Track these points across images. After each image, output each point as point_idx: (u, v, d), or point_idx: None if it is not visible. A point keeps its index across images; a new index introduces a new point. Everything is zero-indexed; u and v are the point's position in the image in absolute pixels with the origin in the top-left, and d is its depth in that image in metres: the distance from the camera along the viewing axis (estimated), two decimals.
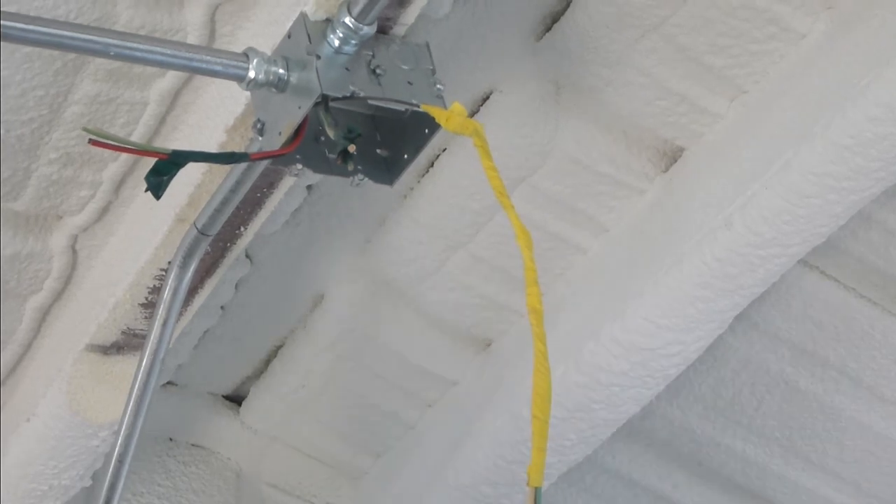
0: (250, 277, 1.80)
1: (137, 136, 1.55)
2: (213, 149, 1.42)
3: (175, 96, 1.53)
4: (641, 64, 1.55)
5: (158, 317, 1.48)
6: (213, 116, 1.47)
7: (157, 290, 1.53)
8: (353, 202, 1.76)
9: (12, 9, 1.35)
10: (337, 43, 1.26)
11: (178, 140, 1.55)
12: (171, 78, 1.51)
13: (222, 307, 1.82)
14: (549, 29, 1.58)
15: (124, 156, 1.58)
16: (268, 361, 1.98)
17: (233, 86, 1.31)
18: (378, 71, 1.28)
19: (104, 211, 1.64)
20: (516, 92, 1.61)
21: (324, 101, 1.24)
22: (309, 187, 1.68)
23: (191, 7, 1.46)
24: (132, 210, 1.63)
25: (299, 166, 1.30)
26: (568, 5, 1.55)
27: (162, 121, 1.55)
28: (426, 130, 1.30)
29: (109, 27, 1.43)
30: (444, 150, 1.67)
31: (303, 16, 1.27)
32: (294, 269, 1.83)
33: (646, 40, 1.53)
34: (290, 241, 1.78)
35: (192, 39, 1.47)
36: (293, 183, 1.49)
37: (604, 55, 1.55)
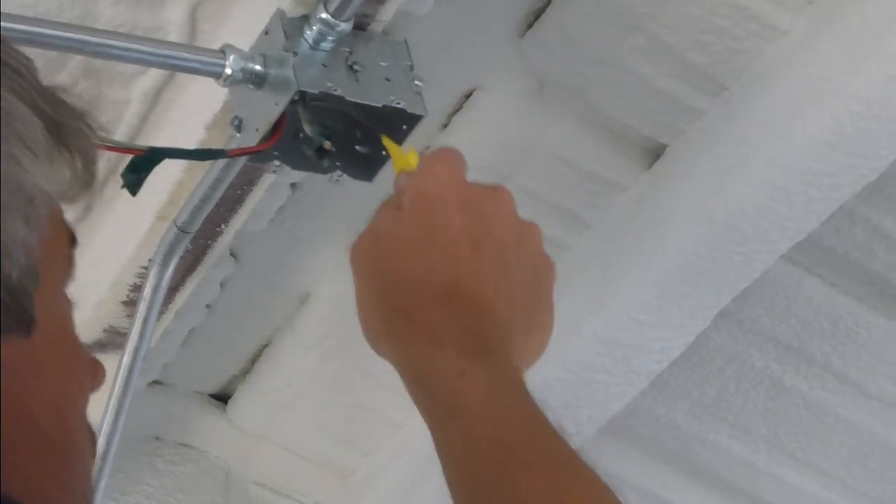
0: (235, 276, 1.80)
1: (121, 135, 1.55)
2: (193, 146, 1.42)
3: (157, 94, 1.53)
4: (624, 62, 1.55)
5: (139, 315, 1.48)
6: (195, 114, 1.47)
7: (138, 288, 1.53)
8: (339, 200, 1.76)
9: None
10: (314, 40, 1.26)
11: (162, 138, 1.55)
12: (153, 76, 1.51)
13: (207, 306, 1.81)
14: (531, 26, 1.58)
15: (108, 154, 1.57)
16: (254, 360, 1.98)
17: (213, 83, 1.32)
18: (356, 67, 1.29)
19: (88, 209, 1.64)
20: (500, 89, 1.61)
21: (301, 97, 1.24)
22: (293, 185, 1.67)
23: (172, 5, 1.46)
24: (116, 209, 1.63)
25: (277, 163, 1.31)
26: (550, 2, 1.55)
27: (145, 119, 1.55)
28: (404, 127, 1.30)
29: (90, 25, 1.44)
30: (427, 147, 1.67)
31: (279, 12, 1.27)
32: (280, 267, 1.83)
33: (628, 38, 1.53)
34: (276, 240, 1.78)
35: (173, 37, 1.47)
36: (273, 180, 1.50)
37: (586, 53, 1.55)
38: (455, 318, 1.05)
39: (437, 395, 1.04)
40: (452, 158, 1.14)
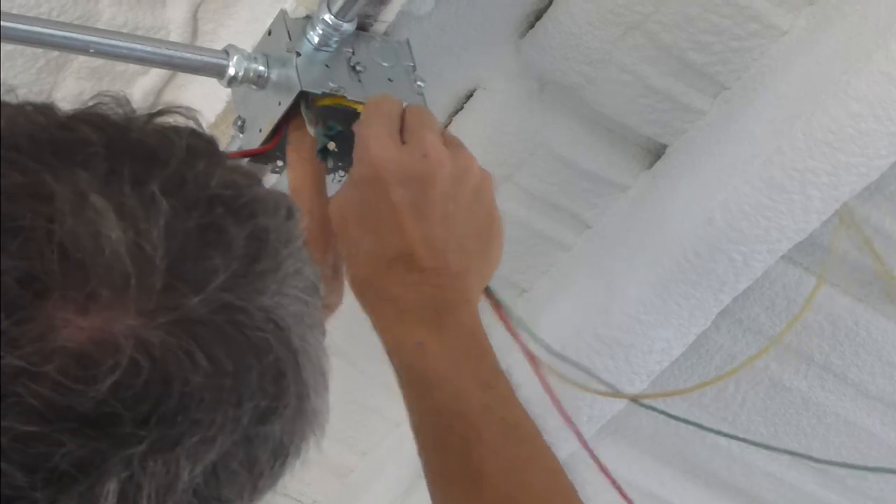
0: None
1: None
2: None
3: (158, 94, 1.53)
4: (624, 61, 1.55)
5: None
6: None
7: None
8: None
9: None
10: (317, 40, 1.26)
11: None
12: (154, 76, 1.51)
13: None
14: (532, 26, 1.58)
15: None
16: None
17: (215, 83, 1.31)
18: (358, 68, 1.28)
19: None
20: (500, 89, 1.61)
21: (304, 97, 1.24)
22: None
23: (173, 5, 1.46)
24: None
25: (280, 163, 1.31)
26: (551, 2, 1.55)
27: None
28: None
29: (92, 25, 1.44)
30: None
31: (283, 13, 1.27)
32: None
33: (628, 38, 1.53)
34: None
35: (174, 37, 1.47)
36: (276, 181, 1.49)
37: (586, 53, 1.55)
38: (411, 285, 1.15)
39: (401, 365, 1.16)
40: (381, 123, 1.20)
